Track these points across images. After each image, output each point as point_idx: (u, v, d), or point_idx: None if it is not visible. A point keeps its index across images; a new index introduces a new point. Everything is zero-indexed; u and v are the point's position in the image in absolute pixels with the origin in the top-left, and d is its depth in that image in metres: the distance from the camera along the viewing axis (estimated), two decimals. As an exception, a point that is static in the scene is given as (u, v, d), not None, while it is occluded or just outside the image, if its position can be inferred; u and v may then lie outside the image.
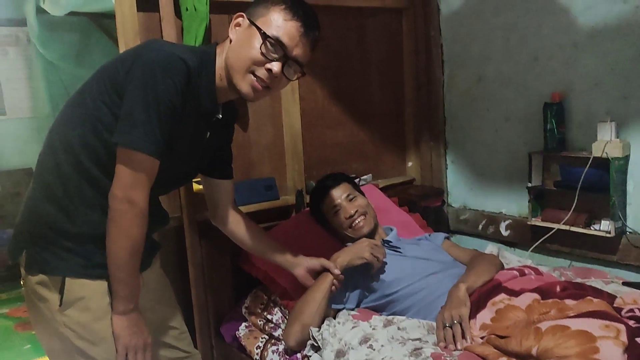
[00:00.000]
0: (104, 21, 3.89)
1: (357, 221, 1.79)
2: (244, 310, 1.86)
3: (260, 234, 1.62)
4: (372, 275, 1.65)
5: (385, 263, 1.66)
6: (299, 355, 1.57)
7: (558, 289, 1.45)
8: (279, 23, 1.23)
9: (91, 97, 1.20)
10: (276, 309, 1.79)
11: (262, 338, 1.75)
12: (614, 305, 1.37)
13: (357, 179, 2.22)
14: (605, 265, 1.95)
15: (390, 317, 1.54)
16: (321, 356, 1.46)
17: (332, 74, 2.25)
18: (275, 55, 1.23)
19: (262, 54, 1.22)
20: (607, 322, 1.21)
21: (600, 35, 1.89)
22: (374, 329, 1.49)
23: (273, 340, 1.71)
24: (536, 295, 1.43)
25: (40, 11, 3.50)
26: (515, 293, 1.47)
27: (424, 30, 2.45)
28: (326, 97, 2.25)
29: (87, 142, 1.19)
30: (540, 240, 2.06)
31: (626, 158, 1.85)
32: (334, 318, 1.60)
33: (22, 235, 1.27)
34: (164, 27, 1.77)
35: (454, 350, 1.36)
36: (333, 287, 1.58)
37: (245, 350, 1.77)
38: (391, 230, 1.89)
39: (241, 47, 1.25)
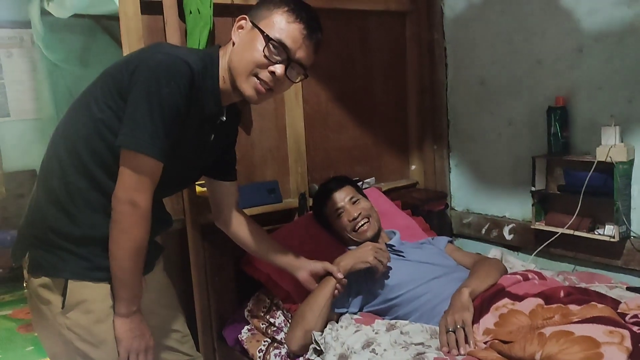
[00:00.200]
0: (108, 23, 3.91)
1: (360, 224, 1.79)
2: (246, 313, 1.85)
3: (263, 236, 1.62)
4: (375, 279, 1.64)
5: (390, 268, 1.66)
6: (301, 359, 1.56)
7: (562, 294, 1.44)
8: (282, 25, 1.23)
9: (95, 100, 1.20)
10: (279, 313, 1.79)
11: (264, 341, 1.74)
12: (618, 310, 1.36)
13: (360, 182, 2.21)
14: (609, 270, 1.93)
15: (393, 322, 1.53)
16: (323, 360, 1.46)
17: (335, 77, 2.25)
18: (279, 58, 1.24)
19: (265, 56, 1.23)
20: (612, 328, 1.21)
21: (605, 39, 1.88)
22: (376, 333, 1.48)
23: (275, 344, 1.71)
24: (540, 300, 1.43)
25: (44, 13, 3.52)
26: (518, 298, 1.47)
27: (428, 34, 2.44)
28: (329, 100, 2.25)
29: (91, 145, 1.20)
30: (544, 245, 2.05)
31: (630, 162, 1.84)
32: (337, 322, 1.59)
33: (25, 238, 1.27)
34: (167, 30, 1.78)
35: (457, 355, 1.35)
36: (336, 292, 1.58)
37: (247, 354, 1.76)
38: (394, 233, 1.89)
39: (244, 49, 1.25)
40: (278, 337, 1.71)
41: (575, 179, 1.94)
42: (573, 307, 1.35)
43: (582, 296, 1.41)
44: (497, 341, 1.33)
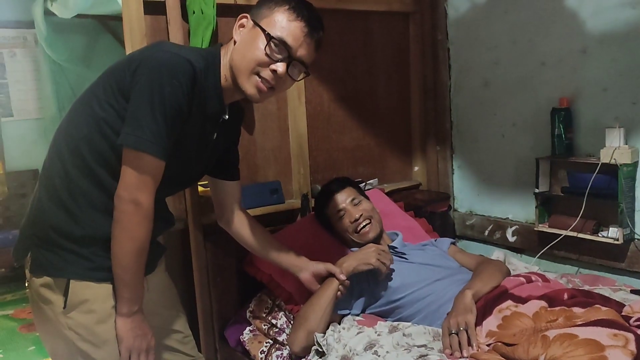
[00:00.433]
0: (111, 23, 3.92)
1: (362, 225, 1.78)
2: (248, 314, 1.85)
3: (266, 236, 1.61)
4: (378, 281, 1.64)
5: (392, 270, 1.65)
6: (303, 360, 1.56)
7: (565, 296, 1.43)
8: (283, 24, 1.23)
9: (97, 99, 1.20)
10: (281, 314, 1.78)
11: (266, 342, 1.74)
12: (622, 313, 1.35)
13: (363, 183, 2.21)
14: (613, 273, 1.93)
15: (395, 323, 1.53)
16: (325, 362, 1.45)
17: (338, 78, 2.25)
18: (280, 56, 1.24)
19: (266, 55, 1.23)
20: (616, 331, 1.20)
21: (609, 40, 1.88)
22: (379, 335, 1.47)
23: (277, 345, 1.70)
24: (543, 303, 1.42)
25: (48, 13, 3.52)
26: (522, 300, 1.46)
27: (431, 35, 2.44)
28: (332, 100, 2.24)
29: (93, 144, 1.19)
30: (548, 247, 2.04)
31: (635, 164, 1.83)
32: (339, 323, 1.59)
33: (27, 237, 1.27)
34: (170, 30, 1.77)
35: (460, 357, 1.34)
36: (339, 293, 1.57)
37: (249, 355, 1.76)
38: (397, 235, 1.88)
39: (245, 48, 1.25)
40: (280, 339, 1.71)
41: (579, 181, 1.93)
42: (577, 310, 1.34)
43: (586, 299, 1.40)
44: (500, 344, 1.33)
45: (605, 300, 1.41)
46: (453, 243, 1.91)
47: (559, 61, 2.02)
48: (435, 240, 1.93)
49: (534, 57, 2.10)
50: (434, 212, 2.37)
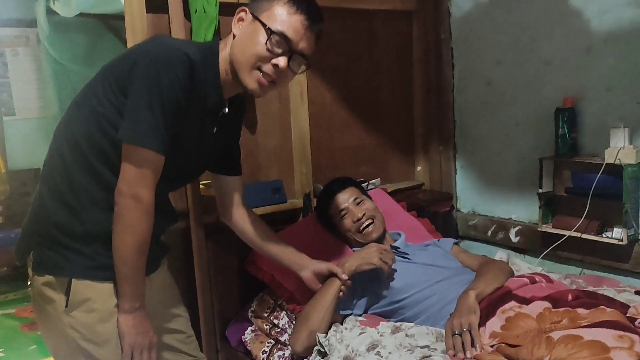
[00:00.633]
0: (114, 22, 3.91)
1: (364, 225, 1.78)
2: (250, 314, 1.84)
3: (268, 232, 1.60)
4: (380, 281, 1.63)
5: (395, 270, 1.64)
6: (305, 360, 1.55)
7: (570, 297, 1.42)
8: (284, 17, 1.22)
9: (96, 96, 1.19)
10: (283, 314, 1.78)
11: (268, 343, 1.73)
12: (627, 314, 1.34)
13: (366, 183, 2.20)
14: (617, 274, 1.91)
15: (398, 324, 1.52)
16: (328, 362, 1.44)
17: (341, 77, 2.24)
18: (281, 50, 1.23)
19: (267, 49, 1.22)
20: (621, 333, 1.19)
21: (614, 39, 1.86)
22: (381, 335, 1.47)
23: (279, 345, 1.70)
24: (547, 304, 1.41)
25: (50, 12, 3.52)
26: (525, 301, 1.45)
27: (434, 34, 2.43)
28: (335, 100, 2.23)
29: (93, 140, 1.19)
30: (551, 247, 2.03)
31: (639, 165, 1.82)
32: (341, 324, 1.58)
33: (29, 236, 1.26)
34: (173, 29, 1.77)
35: (463, 358, 1.34)
36: (341, 294, 1.56)
37: (251, 355, 1.75)
38: (399, 235, 1.87)
39: (246, 42, 1.24)
40: (282, 339, 1.70)
41: (583, 181, 1.92)
42: (581, 311, 1.33)
43: (591, 300, 1.39)
44: (504, 345, 1.32)
45: (610, 302, 1.40)
46: (456, 243, 1.90)
47: (563, 60, 2.01)
48: (438, 241, 1.92)
49: (538, 57, 2.09)
50: (437, 212, 2.37)
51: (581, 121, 1.98)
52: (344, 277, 1.56)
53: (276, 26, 1.22)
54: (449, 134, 2.46)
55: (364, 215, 1.78)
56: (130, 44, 1.70)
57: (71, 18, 3.45)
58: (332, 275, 1.58)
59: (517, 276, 1.62)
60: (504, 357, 1.28)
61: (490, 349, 1.35)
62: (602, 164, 1.83)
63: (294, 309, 1.76)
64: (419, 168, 2.52)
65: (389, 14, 2.34)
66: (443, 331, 1.45)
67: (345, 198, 1.83)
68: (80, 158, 1.20)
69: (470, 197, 2.46)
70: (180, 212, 1.79)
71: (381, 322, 1.54)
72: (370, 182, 2.27)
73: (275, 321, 1.76)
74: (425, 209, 2.30)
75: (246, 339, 1.79)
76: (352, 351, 1.42)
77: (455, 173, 2.50)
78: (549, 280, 1.61)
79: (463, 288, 1.53)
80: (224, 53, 1.28)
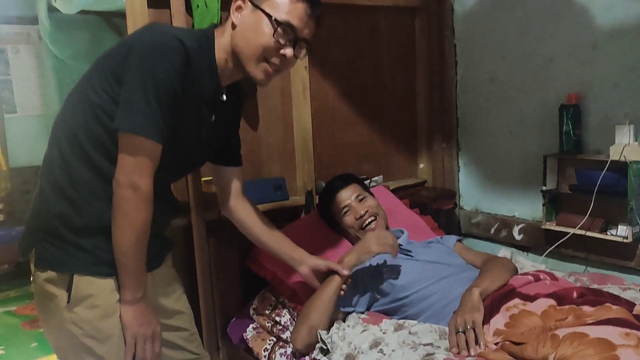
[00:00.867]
0: (115, 20, 3.90)
1: (367, 222, 1.77)
2: (251, 311, 1.83)
3: (268, 226, 1.59)
4: (383, 278, 1.62)
5: (398, 266, 1.63)
6: (307, 358, 1.54)
7: (575, 294, 1.41)
8: (287, 6, 1.22)
9: (92, 86, 1.19)
10: (284, 311, 1.77)
11: (270, 340, 1.72)
12: (633, 312, 1.32)
13: (368, 180, 2.19)
14: (622, 272, 1.90)
15: (401, 321, 1.50)
16: (330, 360, 1.43)
17: (343, 74, 2.23)
18: (287, 39, 1.23)
19: (274, 40, 1.22)
20: (627, 330, 1.17)
21: (620, 35, 1.85)
22: (384, 333, 1.45)
23: (281, 343, 1.69)
24: (552, 301, 1.39)
25: (51, 9, 3.52)
26: (529, 298, 1.44)
27: (438, 30, 2.41)
28: (337, 96, 2.22)
29: (90, 130, 1.18)
30: (555, 245, 2.01)
31: (645, 162, 1.80)
32: (344, 321, 1.57)
33: (31, 231, 1.26)
34: (174, 24, 1.76)
35: (467, 356, 1.32)
36: (341, 292, 1.55)
37: (252, 353, 1.74)
38: (402, 232, 1.86)
39: (249, 33, 1.23)
40: (284, 336, 1.69)
41: (587, 179, 1.90)
42: (587, 309, 1.32)
43: (596, 297, 1.38)
44: (508, 342, 1.30)
45: (616, 299, 1.39)
46: (459, 240, 1.89)
47: (567, 56, 2.00)
48: (441, 238, 1.91)
49: (542, 53, 2.07)
50: (440, 210, 2.35)
51: (586, 118, 1.96)
52: (345, 273, 1.55)
53: (281, 16, 1.21)
54: (452, 131, 2.45)
55: (366, 212, 1.77)
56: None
57: (72, 15, 3.45)
58: (332, 272, 1.57)
59: (522, 274, 1.61)
60: (508, 354, 1.27)
61: (495, 347, 1.33)
62: (607, 161, 1.81)
63: (296, 307, 1.74)
64: (421, 165, 2.50)
65: (392, 10, 2.33)
66: (446, 329, 1.44)
67: (348, 195, 1.82)
68: (79, 150, 1.19)
69: (473, 195, 2.45)
70: (181, 209, 1.78)
71: (384, 320, 1.53)
72: (373, 179, 2.26)
73: (277, 319, 1.75)
74: (428, 207, 2.29)
75: (248, 337, 1.78)
76: (355, 349, 1.41)
77: (458, 170, 2.49)
78: (553, 277, 1.59)
79: (467, 285, 1.51)
80: (222, 41, 1.27)
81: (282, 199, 2.03)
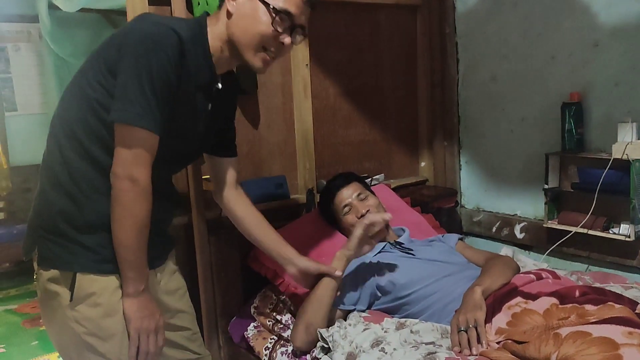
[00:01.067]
0: (116, 17, 3.90)
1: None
2: (252, 310, 1.83)
3: (260, 220, 1.57)
4: (384, 277, 1.61)
5: (397, 265, 1.63)
6: (308, 356, 1.54)
7: (577, 293, 1.40)
8: None
9: (87, 80, 1.18)
10: (285, 310, 1.76)
11: (271, 339, 1.72)
12: (636, 311, 1.32)
13: (369, 179, 2.18)
14: (624, 270, 1.89)
15: (402, 320, 1.50)
16: (331, 358, 1.43)
17: (344, 72, 2.22)
18: (284, 27, 1.24)
19: (272, 28, 1.22)
20: (631, 329, 1.17)
21: (622, 33, 1.84)
22: (386, 331, 1.45)
23: (282, 342, 1.68)
24: (554, 300, 1.39)
25: (52, 7, 3.51)
26: (532, 297, 1.43)
27: (439, 28, 2.41)
28: (338, 95, 2.22)
29: (88, 125, 1.18)
30: (557, 244, 2.01)
31: (647, 160, 1.80)
32: (345, 319, 1.56)
33: (34, 230, 1.25)
34: (175, 22, 1.75)
35: (469, 355, 1.32)
36: (338, 292, 1.55)
37: (253, 351, 1.74)
38: (403, 231, 1.86)
39: (247, 21, 1.23)
40: (285, 335, 1.69)
41: (589, 177, 1.90)
42: (589, 307, 1.31)
43: (599, 296, 1.37)
44: (510, 341, 1.30)
45: (618, 298, 1.38)
46: (461, 239, 1.88)
47: (569, 55, 1.99)
48: (442, 236, 1.90)
49: (544, 51, 2.06)
50: (441, 208, 2.35)
51: (588, 116, 1.95)
52: (338, 274, 1.54)
53: (278, 4, 1.22)
54: (453, 130, 2.44)
55: (367, 211, 1.77)
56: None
57: (73, 13, 3.44)
58: (322, 275, 1.55)
59: (524, 272, 1.60)
60: (510, 353, 1.26)
61: (497, 346, 1.33)
62: (610, 159, 1.80)
63: (297, 305, 1.74)
64: (423, 164, 2.50)
65: (393, 8, 2.32)
66: (448, 327, 1.43)
67: (349, 193, 1.81)
68: (78, 145, 1.19)
69: (474, 193, 2.44)
70: (182, 204, 1.78)
71: (385, 318, 1.52)
72: (374, 177, 2.26)
73: (278, 317, 1.75)
74: (429, 205, 2.28)
75: (249, 335, 1.78)
76: (356, 347, 1.40)
77: (460, 169, 2.48)
78: (555, 276, 1.59)
79: (468, 284, 1.51)
80: (216, 29, 1.27)
81: (283, 198, 2.02)
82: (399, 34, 2.36)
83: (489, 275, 1.53)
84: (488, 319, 1.39)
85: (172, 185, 1.40)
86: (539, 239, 2.14)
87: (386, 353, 1.35)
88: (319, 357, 1.48)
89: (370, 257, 1.69)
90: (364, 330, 1.46)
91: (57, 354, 1.33)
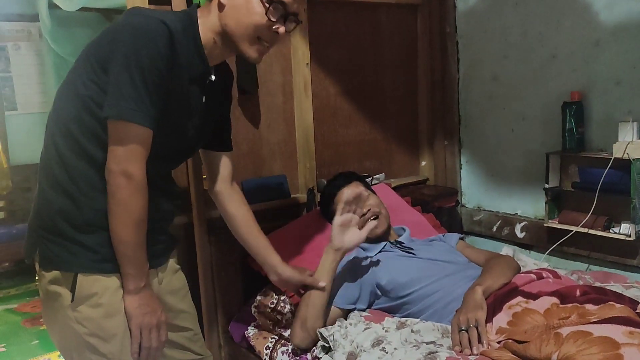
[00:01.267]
0: (116, 17, 3.88)
1: (369, 220, 1.75)
2: (253, 309, 1.82)
3: (250, 223, 1.56)
4: (385, 276, 1.61)
5: (398, 264, 1.63)
6: (309, 355, 1.54)
7: (578, 293, 1.40)
8: None
9: (80, 78, 1.18)
10: (286, 309, 1.76)
11: (271, 338, 1.72)
12: (637, 311, 1.32)
13: (370, 178, 2.18)
14: (625, 270, 1.89)
15: (403, 320, 1.50)
16: (332, 358, 1.43)
17: (345, 71, 2.22)
18: (278, 16, 1.24)
19: (267, 19, 1.22)
20: (631, 329, 1.17)
21: (623, 32, 1.84)
22: (386, 331, 1.45)
23: (283, 341, 1.68)
24: (555, 299, 1.39)
25: (52, 6, 3.49)
26: (532, 296, 1.43)
27: (440, 27, 2.40)
28: (339, 94, 2.21)
29: (83, 123, 1.17)
30: (557, 243, 2.01)
31: (648, 159, 1.79)
32: (346, 319, 1.56)
33: (35, 231, 1.25)
34: (175, 21, 1.75)
35: (470, 354, 1.31)
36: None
37: (254, 351, 1.74)
38: (404, 230, 1.86)
39: (240, 12, 1.23)
40: (285, 334, 1.69)
41: (590, 176, 1.90)
42: (590, 307, 1.31)
43: (599, 295, 1.37)
44: (511, 341, 1.30)
45: (619, 297, 1.38)
46: (461, 238, 1.88)
47: (570, 54, 1.99)
48: (443, 236, 1.90)
49: (545, 50, 2.06)
50: (442, 208, 2.35)
51: (589, 115, 1.95)
52: (321, 285, 1.54)
53: None
54: (454, 129, 2.44)
55: (368, 210, 1.76)
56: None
57: (73, 12, 3.43)
58: (307, 287, 1.56)
59: (524, 272, 1.60)
60: (511, 353, 1.26)
61: (497, 345, 1.33)
62: (610, 158, 1.80)
63: (297, 305, 1.74)
64: (423, 163, 2.50)
65: (393, 7, 2.32)
66: (449, 327, 1.43)
67: (350, 193, 1.81)
68: (74, 144, 1.18)
69: (475, 193, 2.44)
70: (182, 208, 1.78)
71: (386, 318, 1.52)
72: (375, 177, 2.25)
73: (279, 317, 1.74)
74: (430, 204, 2.28)
75: (249, 335, 1.78)
76: (357, 347, 1.40)
77: (460, 168, 2.48)
78: (556, 275, 1.59)
79: (469, 283, 1.50)
80: (208, 21, 1.26)
81: (283, 197, 2.02)
82: (399, 33, 2.36)
83: (490, 274, 1.53)
84: (489, 319, 1.39)
85: (173, 182, 1.40)
86: (539, 239, 2.14)
87: (387, 352, 1.35)
88: (319, 356, 1.48)
89: (370, 256, 1.69)
90: (365, 329, 1.46)
91: (58, 353, 1.33)
